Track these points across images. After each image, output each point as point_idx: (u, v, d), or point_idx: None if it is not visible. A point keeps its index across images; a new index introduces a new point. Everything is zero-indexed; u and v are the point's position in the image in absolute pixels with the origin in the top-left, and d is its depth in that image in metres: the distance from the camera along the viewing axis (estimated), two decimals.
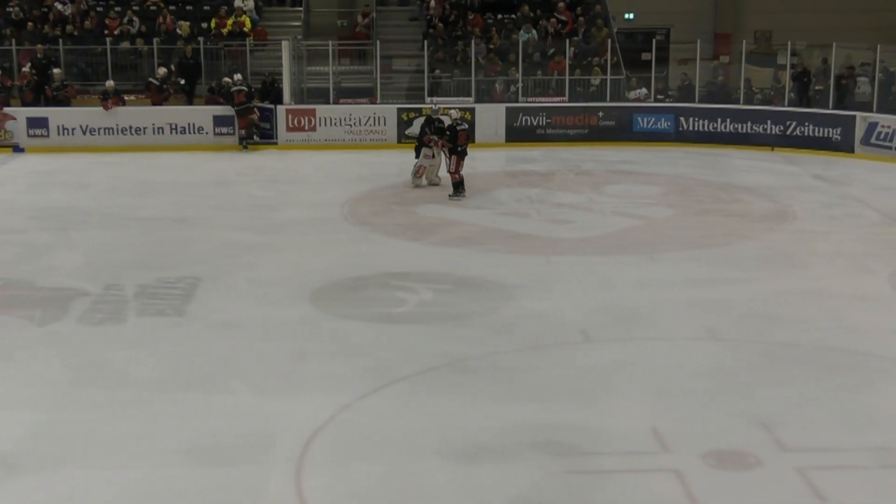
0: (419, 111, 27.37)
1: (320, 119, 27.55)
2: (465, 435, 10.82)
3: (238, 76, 27.84)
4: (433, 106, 23.25)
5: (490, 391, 11.98)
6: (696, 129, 27.39)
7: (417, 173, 22.62)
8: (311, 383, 12.23)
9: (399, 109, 27.59)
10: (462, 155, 21.40)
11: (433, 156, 22.36)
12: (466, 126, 23.17)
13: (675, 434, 10.84)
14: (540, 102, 28.06)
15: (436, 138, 22.17)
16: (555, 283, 15.94)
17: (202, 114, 27.72)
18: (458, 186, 21.26)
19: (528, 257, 17.35)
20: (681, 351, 13.31)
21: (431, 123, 22.56)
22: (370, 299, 15.28)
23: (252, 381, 12.26)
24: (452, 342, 13.44)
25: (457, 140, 21.49)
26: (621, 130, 27.55)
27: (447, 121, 22.33)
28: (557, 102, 28.04)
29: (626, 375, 12.48)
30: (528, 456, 10.38)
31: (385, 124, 27.49)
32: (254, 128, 27.35)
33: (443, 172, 22.28)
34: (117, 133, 27.44)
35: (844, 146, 25.90)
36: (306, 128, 27.52)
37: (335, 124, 27.53)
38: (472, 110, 27.41)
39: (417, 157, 22.64)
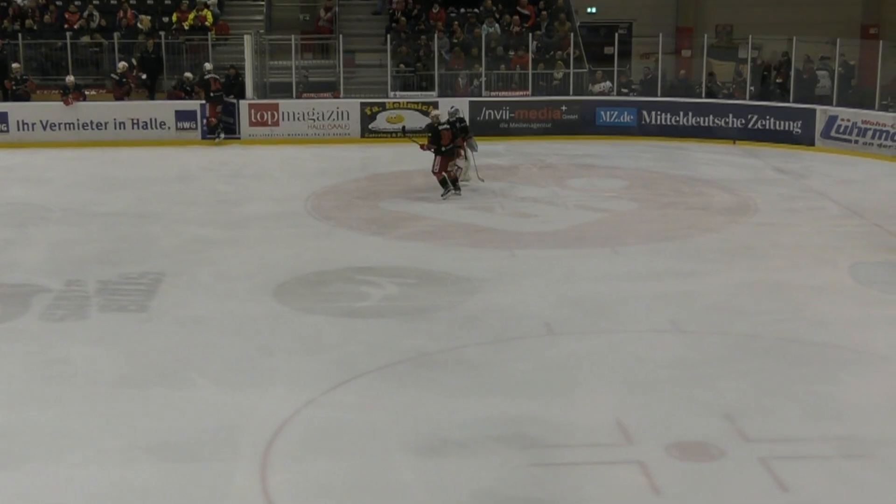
0: (382, 105, 27.35)
1: (283, 114, 27.45)
2: (431, 429, 10.83)
3: (209, 65, 27.77)
4: (451, 109, 22.05)
5: (455, 385, 11.99)
6: (658, 122, 27.51)
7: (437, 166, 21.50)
8: (276, 378, 12.20)
9: (362, 104, 27.54)
10: (448, 154, 20.97)
11: (465, 157, 21.71)
12: (461, 122, 21.89)
13: (639, 426, 10.90)
14: (503, 97, 28.10)
15: (462, 138, 21.47)
16: (519, 277, 15.97)
17: (164, 109, 27.55)
18: (445, 184, 20.81)
19: (492, 251, 17.38)
20: (644, 343, 13.38)
21: (454, 125, 21.52)
22: (334, 294, 15.26)
23: (216, 376, 12.22)
24: (417, 336, 13.45)
25: (440, 140, 21.03)
26: (584, 124, 27.61)
27: (430, 119, 21.98)
28: (521, 96, 28.09)
29: (590, 368, 12.53)
30: (493, 449, 10.40)
31: (348, 119, 27.43)
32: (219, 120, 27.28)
33: (471, 172, 21.98)
34: (78, 128, 27.21)
35: (805, 139, 26.09)
36: (269, 122, 27.43)
37: (298, 119, 27.44)
38: (435, 104, 27.42)
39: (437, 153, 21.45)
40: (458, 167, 21.29)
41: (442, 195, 20.73)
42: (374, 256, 17.03)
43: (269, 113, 27.47)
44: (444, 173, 20.88)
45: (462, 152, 21.44)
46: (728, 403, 11.41)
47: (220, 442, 10.56)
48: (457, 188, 20.94)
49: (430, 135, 21.28)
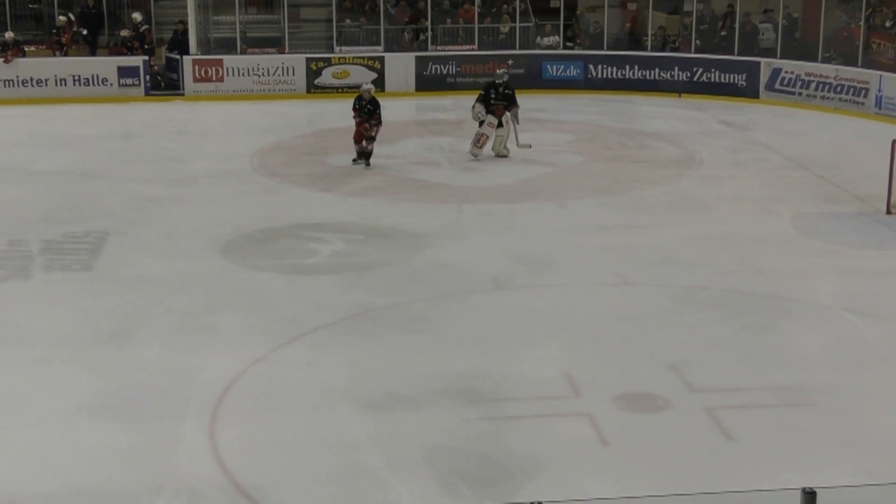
0: (328, 61, 27.16)
1: (228, 69, 27.18)
2: (380, 384, 10.86)
3: (138, 15, 27.47)
4: (499, 71, 21.03)
5: (403, 340, 12.03)
6: (604, 76, 27.54)
7: (479, 143, 20.31)
8: (225, 336, 12.17)
9: (308, 59, 27.33)
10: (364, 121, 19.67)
11: (499, 125, 20.25)
12: (506, 88, 20.26)
13: (587, 378, 11.00)
14: (449, 51, 28.00)
15: (503, 105, 20.22)
16: (466, 232, 16.00)
17: (106, 65, 27.17)
18: (368, 156, 19.76)
19: (440, 206, 17.38)
20: (591, 297, 13.47)
21: (496, 88, 20.27)
22: (282, 251, 15.21)
23: (164, 335, 12.16)
24: (365, 292, 13.45)
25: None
26: (531, 78, 27.57)
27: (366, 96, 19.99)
28: (467, 51, 28.01)
29: (537, 322, 12.60)
30: (442, 404, 10.46)
31: (294, 74, 27.21)
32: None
33: (510, 144, 20.57)
34: (18, 85, 26.78)
35: (749, 92, 26.24)
36: (214, 78, 27.14)
37: (243, 74, 27.19)
38: (381, 59, 27.27)
39: (480, 125, 20.36)
40: (485, 135, 20.20)
41: (353, 160, 19.84)
42: (321, 213, 16.98)
43: (214, 69, 27.18)
44: (362, 143, 19.77)
45: (495, 122, 20.16)
46: (674, 355, 11.54)
47: (168, 401, 10.52)
48: (367, 162, 19.68)
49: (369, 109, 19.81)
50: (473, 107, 20.35)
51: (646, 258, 14.78)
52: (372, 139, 19.63)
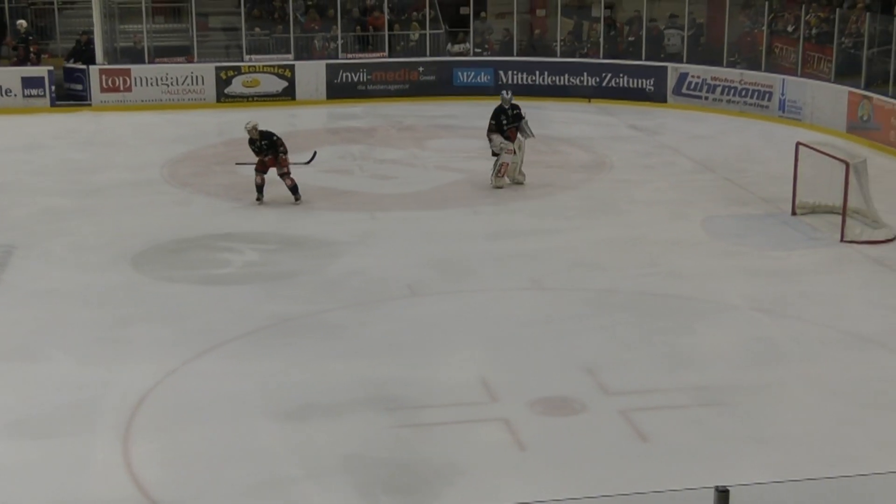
0: (238, 69, 26.96)
1: (136, 79, 26.84)
2: (295, 394, 10.81)
3: (23, 22, 27.02)
4: (505, 94, 19.32)
5: (319, 349, 11.98)
6: (515, 82, 27.69)
7: (501, 172, 18.79)
8: (136, 349, 12.01)
9: (217, 68, 27.08)
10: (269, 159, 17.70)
11: (515, 151, 18.85)
12: (514, 109, 18.97)
13: (503, 383, 11.05)
14: (360, 58, 27.96)
15: (515, 128, 18.93)
16: (380, 239, 15.99)
17: (9, 75, 26.66)
18: (295, 190, 17.93)
19: (353, 214, 17.34)
20: (506, 302, 13.54)
21: (506, 113, 18.97)
22: (194, 261, 15.05)
23: (75, 349, 11.97)
24: (279, 302, 13.37)
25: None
26: (442, 85, 27.65)
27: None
28: (377, 58, 27.98)
29: (453, 328, 12.63)
30: (359, 412, 10.43)
31: (203, 83, 26.95)
32: None
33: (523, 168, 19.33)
34: None
35: (657, 96, 26.58)
36: (121, 88, 26.77)
37: (151, 84, 26.86)
38: (291, 67, 27.14)
39: (496, 153, 18.87)
40: (506, 163, 18.72)
41: (256, 199, 17.77)
42: (233, 223, 16.84)
43: (121, 78, 26.82)
44: (262, 176, 17.71)
45: (513, 148, 18.79)
46: (589, 358, 11.64)
47: (79, 416, 10.36)
48: (296, 196, 17.77)
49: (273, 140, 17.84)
50: (490, 139, 18.85)
51: (559, 262, 14.89)
52: (286, 174, 17.68)
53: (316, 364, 11.55)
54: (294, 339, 12.30)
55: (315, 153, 19.83)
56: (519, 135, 18.92)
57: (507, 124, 18.91)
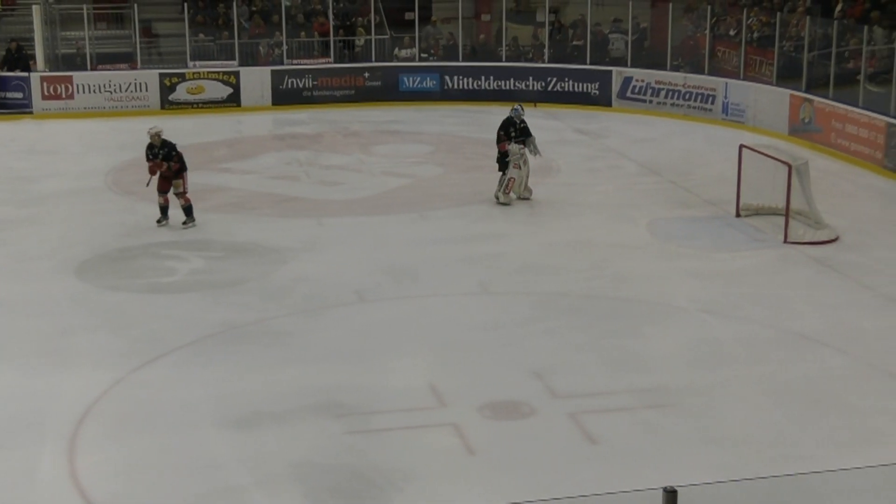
0: (182, 76, 26.78)
1: (78, 86, 26.58)
2: (244, 402, 10.74)
3: None
4: (515, 107, 18.71)
5: (267, 356, 11.91)
6: (460, 87, 27.75)
7: (508, 188, 18.15)
8: (82, 359, 11.88)
9: (161, 74, 26.90)
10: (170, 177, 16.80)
11: (521, 166, 18.25)
12: (521, 124, 18.35)
13: (452, 388, 11.05)
14: (305, 64, 27.88)
15: (522, 141, 18.35)
16: (327, 246, 15.94)
17: None
18: (189, 211, 16.90)
19: (300, 220, 17.28)
20: (455, 306, 13.54)
21: (515, 125, 18.41)
22: (139, 270, 14.92)
23: (18, 360, 11.81)
24: (226, 309, 13.29)
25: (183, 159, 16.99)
26: (388, 90, 27.64)
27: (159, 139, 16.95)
28: (323, 64, 27.92)
29: (401, 333, 12.62)
30: (308, 419, 10.39)
31: (147, 90, 26.74)
32: None
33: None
34: None
35: (602, 100, 26.74)
36: (63, 96, 26.50)
37: (94, 91, 26.61)
38: (236, 74, 27.01)
39: (503, 168, 18.25)
40: (513, 178, 18.11)
41: (157, 221, 16.89)
42: (178, 230, 16.69)
43: (63, 86, 26.55)
44: (167, 196, 16.85)
45: (520, 162, 18.20)
46: (538, 362, 11.67)
47: (24, 428, 10.23)
48: (190, 219, 16.79)
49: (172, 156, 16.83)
50: (508, 150, 18.14)
51: (507, 267, 14.92)
52: (182, 194, 16.72)
53: (264, 371, 11.49)
54: (242, 346, 12.22)
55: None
56: (526, 150, 18.32)
57: (515, 137, 18.26)
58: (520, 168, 18.17)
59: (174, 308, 13.36)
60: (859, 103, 20.90)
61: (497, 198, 18.08)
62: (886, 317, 13.19)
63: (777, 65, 23.73)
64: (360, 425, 10.33)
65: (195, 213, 16.79)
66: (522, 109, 18.71)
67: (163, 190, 16.85)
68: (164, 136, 16.89)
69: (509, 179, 18.09)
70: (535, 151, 18.44)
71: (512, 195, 18.09)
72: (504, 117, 18.57)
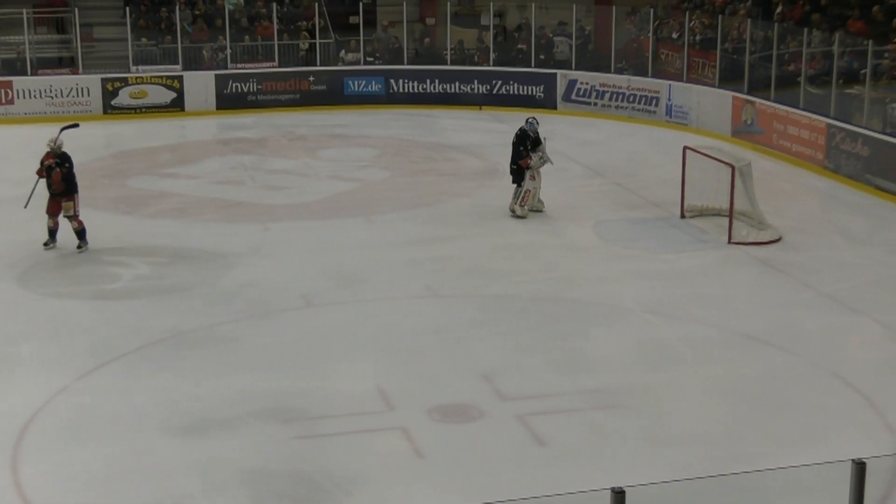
0: (125, 80, 26.55)
1: (18, 91, 26.24)
2: (191, 409, 10.67)
3: None
4: (530, 119, 18.00)
5: (214, 362, 11.84)
6: (406, 90, 27.74)
7: (524, 200, 17.59)
8: (25, 368, 11.75)
9: (103, 79, 26.62)
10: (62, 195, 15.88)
11: (535, 177, 17.70)
12: (534, 134, 17.71)
13: (400, 392, 11.04)
14: (250, 68, 27.74)
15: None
16: (274, 250, 15.87)
17: None
18: (82, 235, 15.90)
19: (246, 225, 17.19)
20: (402, 310, 13.53)
21: (530, 138, 17.78)
22: (83, 276, 14.76)
23: None
24: (172, 315, 13.19)
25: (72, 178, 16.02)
26: (333, 94, 27.56)
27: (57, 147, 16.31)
28: (267, 68, 27.79)
29: (349, 338, 12.59)
30: (255, 425, 10.34)
31: (89, 95, 26.46)
32: None
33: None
34: None
35: (547, 103, 26.83)
36: (3, 101, 26.17)
37: (35, 97, 26.29)
38: (180, 78, 26.81)
39: (518, 181, 17.70)
40: (529, 190, 17.58)
41: (45, 244, 15.86)
42: (123, 236, 16.56)
43: (3, 91, 26.22)
44: (57, 220, 15.88)
45: (534, 175, 17.65)
46: (485, 364, 11.69)
47: None
48: (81, 242, 15.78)
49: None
50: (529, 157, 17.61)
51: (454, 270, 14.94)
52: (74, 217, 15.76)
53: (211, 378, 11.42)
54: (188, 352, 12.14)
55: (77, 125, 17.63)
56: (536, 160, 17.66)
57: (529, 150, 17.74)
58: (534, 179, 17.65)
59: (119, 315, 13.24)
60: (800, 105, 21.15)
61: (513, 211, 17.54)
62: (828, 316, 13.36)
63: (719, 67, 23.96)
64: (309, 430, 10.29)
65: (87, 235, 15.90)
66: (537, 122, 17.99)
67: (52, 213, 15.89)
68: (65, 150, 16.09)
69: (525, 191, 17.53)
70: (547, 159, 17.81)
71: (526, 208, 17.55)
72: (518, 128, 17.89)
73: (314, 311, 13.51)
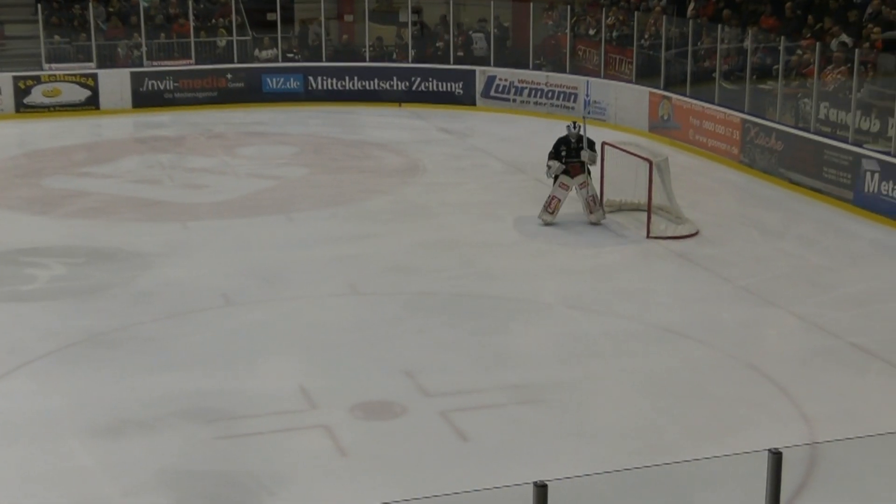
0: (37, 79, 26.10)
1: None
2: (109, 410, 10.53)
3: None
4: (569, 125, 17.06)
5: (133, 363, 11.70)
6: (325, 87, 27.62)
7: (549, 206, 16.94)
8: None
9: (15, 78, 26.13)
10: None
11: (569, 187, 16.94)
12: (578, 141, 16.77)
13: (323, 390, 11.01)
14: (166, 66, 27.44)
15: (578, 164, 16.81)
16: (193, 249, 15.72)
17: None
18: None
19: (164, 224, 17.00)
20: (324, 308, 13.49)
21: (568, 144, 16.87)
22: None
23: None
24: (90, 316, 13.01)
25: None
26: (251, 92, 27.36)
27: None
28: (184, 65, 27.51)
29: (270, 336, 12.52)
30: (176, 425, 10.24)
31: (1, 94, 25.99)
32: None
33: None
34: None
35: (467, 99, 26.91)
36: None
37: None
38: (94, 76, 26.43)
39: (554, 185, 17.10)
40: (556, 197, 16.90)
41: None
42: (38, 237, 16.29)
43: None
44: None
45: (570, 185, 16.89)
46: (407, 361, 11.70)
47: None
48: None
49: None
50: (549, 165, 17.09)
51: (375, 267, 14.92)
52: None
53: (130, 378, 11.28)
54: (106, 353, 11.98)
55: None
56: (587, 165, 16.84)
57: (566, 158, 16.82)
58: (568, 189, 16.83)
59: (35, 316, 13.03)
60: (715, 100, 21.45)
61: (542, 219, 16.91)
62: (745, 308, 13.57)
63: (636, 63, 24.20)
64: (231, 430, 10.22)
65: None
66: (576, 127, 16.91)
67: None
68: None
69: (552, 198, 16.92)
70: (591, 161, 16.85)
71: (553, 216, 16.87)
72: (561, 133, 17.15)
73: (234, 310, 13.41)
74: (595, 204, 16.88)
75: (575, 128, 16.92)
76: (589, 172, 16.94)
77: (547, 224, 16.92)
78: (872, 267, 15.24)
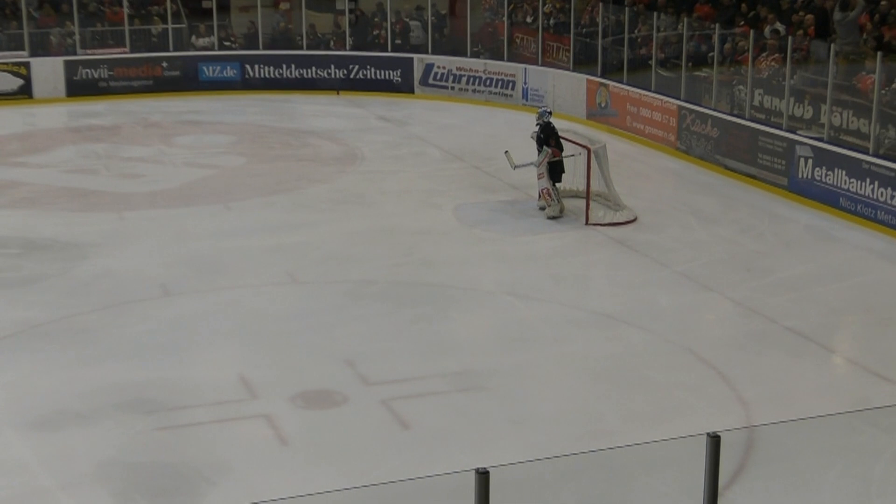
0: None
1: None
2: (46, 402, 10.42)
3: None
4: (542, 108, 17.10)
5: (70, 355, 11.58)
6: (262, 76, 27.45)
7: (549, 198, 16.62)
8: None
9: None
10: None
11: (541, 176, 16.72)
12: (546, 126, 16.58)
13: (263, 380, 10.97)
14: (100, 54, 27.10)
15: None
16: (130, 239, 15.57)
17: None
18: None
19: (100, 214, 16.81)
20: (263, 297, 13.43)
21: (553, 133, 16.77)
22: None
23: None
24: (25, 308, 12.85)
25: None
26: (187, 80, 27.11)
27: None
28: (119, 54, 27.19)
29: (209, 326, 12.45)
30: (115, 417, 10.15)
31: None
32: None
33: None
34: None
35: (405, 87, 26.88)
36: None
37: None
38: (27, 65, 26.05)
39: (554, 177, 16.64)
40: (544, 188, 16.65)
41: None
42: None
43: None
44: None
45: (545, 174, 16.58)
46: (348, 350, 11.69)
47: None
48: None
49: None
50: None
51: (314, 256, 14.88)
52: None
53: (66, 370, 11.17)
54: (42, 345, 11.84)
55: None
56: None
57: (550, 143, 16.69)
58: (542, 178, 16.57)
59: None
60: (652, 88, 21.61)
61: (548, 214, 16.59)
62: (682, 294, 13.70)
63: (574, 51, 24.31)
64: (170, 421, 10.15)
65: None
66: (545, 110, 17.04)
67: None
68: None
69: (542, 190, 16.69)
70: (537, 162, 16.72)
71: (557, 204, 16.51)
72: (543, 123, 16.82)
73: (173, 300, 13.31)
74: (550, 197, 16.62)
75: (544, 115, 16.85)
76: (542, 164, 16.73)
77: (554, 217, 16.45)
78: (807, 251, 15.46)
